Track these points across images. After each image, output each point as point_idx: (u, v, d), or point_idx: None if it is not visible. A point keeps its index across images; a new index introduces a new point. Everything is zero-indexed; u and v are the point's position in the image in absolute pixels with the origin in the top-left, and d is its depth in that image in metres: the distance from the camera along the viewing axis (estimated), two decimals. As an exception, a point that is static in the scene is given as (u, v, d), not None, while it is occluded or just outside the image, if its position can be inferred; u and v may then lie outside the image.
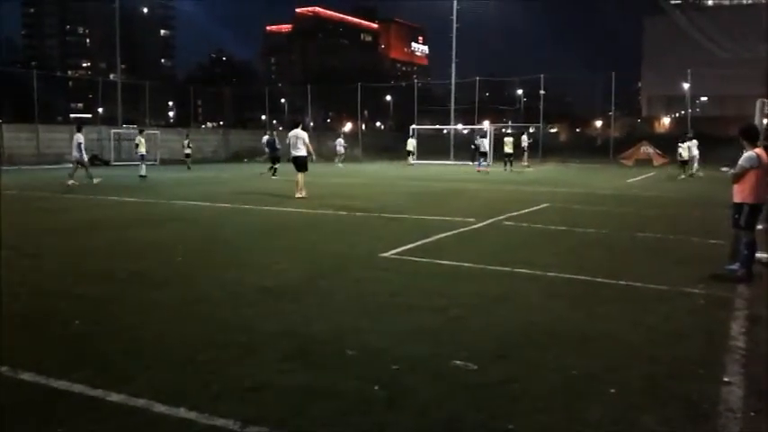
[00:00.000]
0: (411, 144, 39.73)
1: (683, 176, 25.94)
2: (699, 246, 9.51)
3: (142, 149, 25.75)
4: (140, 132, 27.17)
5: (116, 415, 3.54)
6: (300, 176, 16.01)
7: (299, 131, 16.42)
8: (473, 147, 34.90)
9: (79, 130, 20.74)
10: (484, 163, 32.19)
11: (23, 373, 4.11)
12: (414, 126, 43.69)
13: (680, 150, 26.89)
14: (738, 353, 4.66)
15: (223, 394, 3.79)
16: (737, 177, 7.26)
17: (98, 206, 14.66)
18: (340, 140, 39.98)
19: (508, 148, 31.28)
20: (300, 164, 16.23)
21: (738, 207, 7.24)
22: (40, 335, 4.98)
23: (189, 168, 30.57)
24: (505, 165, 30.94)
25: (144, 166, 24.99)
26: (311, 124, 55.92)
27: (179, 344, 4.74)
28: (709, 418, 3.59)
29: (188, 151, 32.06)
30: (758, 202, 7.19)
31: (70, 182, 19.68)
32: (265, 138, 28.18)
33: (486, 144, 33.89)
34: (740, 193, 7.24)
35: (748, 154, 7.20)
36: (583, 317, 5.58)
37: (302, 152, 16.25)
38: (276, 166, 24.54)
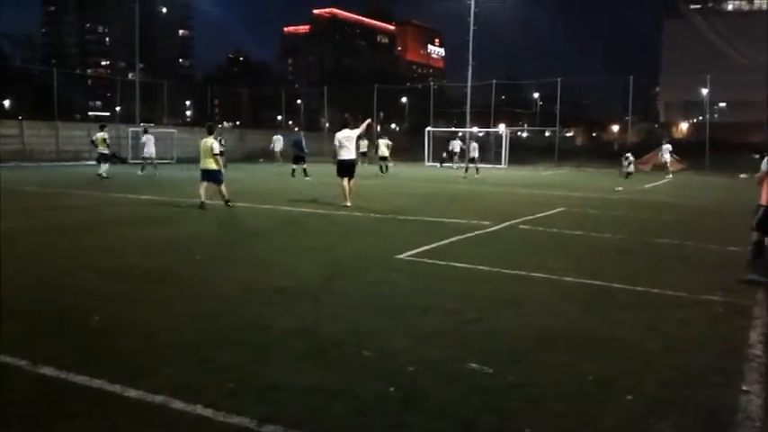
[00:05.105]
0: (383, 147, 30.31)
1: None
2: (716, 253, 9.43)
3: (102, 147, 22.54)
4: (101, 128, 23.77)
5: (134, 410, 3.57)
6: (346, 182, 14.50)
7: (349, 132, 14.71)
8: (451, 150, 34.99)
9: (146, 132, 26.66)
10: (446, 164, 33.30)
11: (43, 367, 4.15)
12: (429, 128, 43.65)
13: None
14: (757, 361, 4.61)
15: (239, 392, 3.81)
16: (760, 180, 7.33)
17: (116, 203, 14.78)
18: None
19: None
20: (348, 168, 14.67)
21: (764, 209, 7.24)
22: (58, 330, 5.02)
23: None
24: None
25: (104, 166, 22.15)
26: (327, 125, 55.98)
27: (196, 341, 4.77)
28: (728, 427, 3.56)
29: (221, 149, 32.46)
30: None
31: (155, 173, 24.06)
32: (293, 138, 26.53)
33: (458, 147, 34.12)
34: (765, 196, 7.27)
35: None
36: (599, 322, 5.56)
37: (351, 155, 14.71)
38: (304, 166, 23.60)
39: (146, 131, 27.29)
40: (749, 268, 7.17)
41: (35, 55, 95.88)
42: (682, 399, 3.92)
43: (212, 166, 13.91)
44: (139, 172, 24.95)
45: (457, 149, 34.40)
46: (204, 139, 14.22)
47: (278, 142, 34.31)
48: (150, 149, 25.79)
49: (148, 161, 25.80)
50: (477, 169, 28.54)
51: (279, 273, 7.22)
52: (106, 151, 22.73)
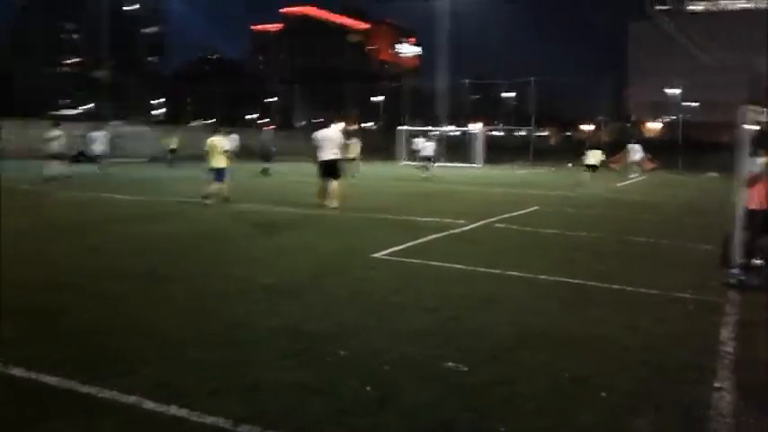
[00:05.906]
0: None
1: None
2: (690, 251, 9.58)
3: (53, 146, 20.91)
4: (55, 126, 22.08)
5: (108, 412, 3.51)
6: (327, 183, 13.83)
7: (328, 131, 14.28)
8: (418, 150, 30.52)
9: (100, 129, 26.32)
10: (421, 165, 28.41)
11: (14, 368, 4.07)
12: (401, 127, 43.65)
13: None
14: (728, 358, 4.69)
15: (220, 391, 3.78)
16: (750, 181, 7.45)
17: (95, 203, 14.56)
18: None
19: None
20: (328, 169, 13.91)
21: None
22: (34, 330, 4.91)
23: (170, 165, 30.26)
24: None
25: (55, 165, 20.66)
26: (302, 123, 55.77)
27: (179, 340, 4.72)
28: (701, 423, 3.61)
29: (173, 147, 31.04)
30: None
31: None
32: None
33: (425, 146, 29.34)
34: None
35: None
36: (574, 320, 5.60)
37: (331, 155, 13.88)
38: (269, 165, 24.07)
39: (103, 129, 26.53)
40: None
41: (3, 52, 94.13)
42: (656, 395, 3.97)
43: (221, 164, 14.21)
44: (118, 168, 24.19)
45: (417, 148, 31.32)
46: (211, 138, 14.56)
47: (233, 141, 33.96)
48: (100, 147, 24.94)
49: (102, 158, 25.17)
50: (425, 168, 26.93)
51: (255, 271, 7.15)
52: (57, 150, 20.91)
